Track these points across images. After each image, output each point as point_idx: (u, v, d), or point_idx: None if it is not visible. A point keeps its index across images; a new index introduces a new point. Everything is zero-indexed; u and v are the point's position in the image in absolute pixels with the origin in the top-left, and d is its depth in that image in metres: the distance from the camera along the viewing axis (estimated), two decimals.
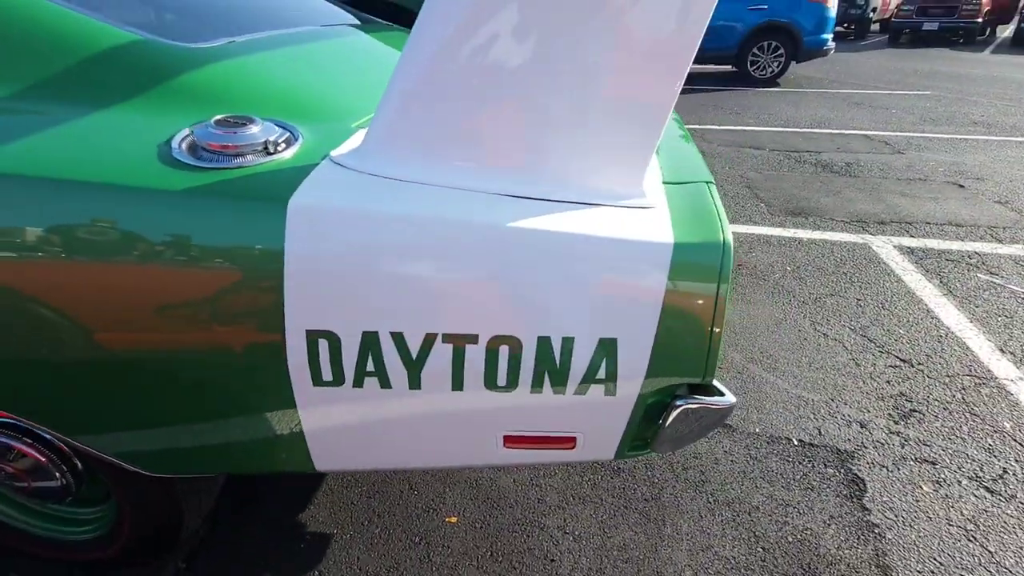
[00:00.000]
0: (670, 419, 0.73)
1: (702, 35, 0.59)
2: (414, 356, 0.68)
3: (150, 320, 0.68)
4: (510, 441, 0.79)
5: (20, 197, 0.65)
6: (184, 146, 0.69)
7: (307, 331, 0.67)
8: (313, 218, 0.64)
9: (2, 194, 0.65)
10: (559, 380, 0.70)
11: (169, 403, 0.76)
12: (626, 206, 0.70)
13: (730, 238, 0.68)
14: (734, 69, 7.94)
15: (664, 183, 0.79)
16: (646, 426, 0.78)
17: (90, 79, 0.78)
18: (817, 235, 2.89)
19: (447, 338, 0.67)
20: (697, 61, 7.98)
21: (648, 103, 0.65)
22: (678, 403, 0.73)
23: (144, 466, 0.84)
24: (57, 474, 1.02)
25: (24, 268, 0.66)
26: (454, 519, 1.34)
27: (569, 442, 0.79)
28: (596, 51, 0.62)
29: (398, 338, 0.67)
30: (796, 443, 1.56)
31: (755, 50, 7.40)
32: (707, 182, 0.81)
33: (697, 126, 5.34)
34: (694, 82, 7.77)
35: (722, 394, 0.74)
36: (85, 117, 0.74)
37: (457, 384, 0.71)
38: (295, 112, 0.83)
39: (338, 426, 0.77)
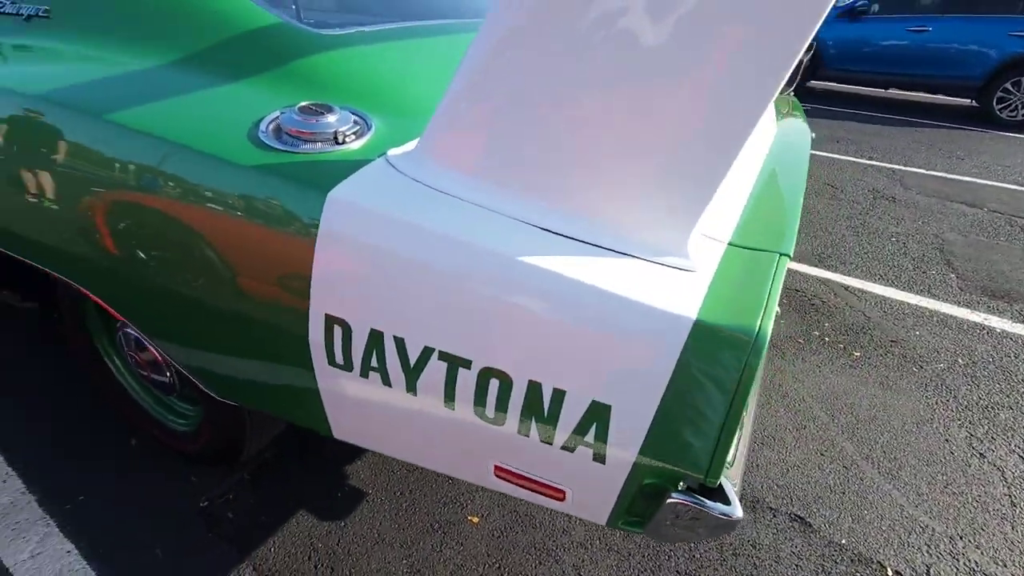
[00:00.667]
0: (659, 509, 0.64)
1: (772, 98, 0.49)
2: (412, 364, 0.69)
3: (216, 262, 0.78)
4: (500, 472, 0.77)
5: (141, 148, 0.79)
6: (270, 128, 0.77)
7: (326, 315, 0.72)
8: (346, 213, 0.67)
9: (129, 143, 0.80)
10: (547, 430, 0.66)
11: (225, 338, 0.87)
12: (661, 263, 0.62)
13: (768, 330, 0.57)
14: (974, 104, 6.57)
15: (729, 244, 0.69)
16: (643, 505, 0.69)
17: (228, 53, 0.91)
18: (1017, 329, 2.30)
19: (443, 356, 0.67)
20: (927, 89, 6.74)
21: (710, 156, 0.56)
22: (671, 496, 0.63)
23: (208, 387, 0.98)
24: (168, 373, 1.24)
25: (142, 201, 0.81)
26: (476, 520, 1.35)
27: (558, 494, 0.74)
28: (662, 93, 0.55)
29: (399, 343, 0.68)
30: (891, 574, 1.29)
31: (1008, 85, 6.03)
32: (782, 254, 0.68)
33: (898, 167, 4.54)
34: (913, 113, 6.60)
35: (728, 502, 0.63)
36: (213, 88, 0.87)
37: (449, 401, 0.70)
38: (386, 104, 0.88)
39: (349, 404, 0.81)
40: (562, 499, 0.74)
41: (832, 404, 1.82)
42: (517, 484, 0.76)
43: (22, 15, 1.07)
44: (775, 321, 0.74)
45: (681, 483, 0.64)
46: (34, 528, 1.24)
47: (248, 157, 0.74)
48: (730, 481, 0.67)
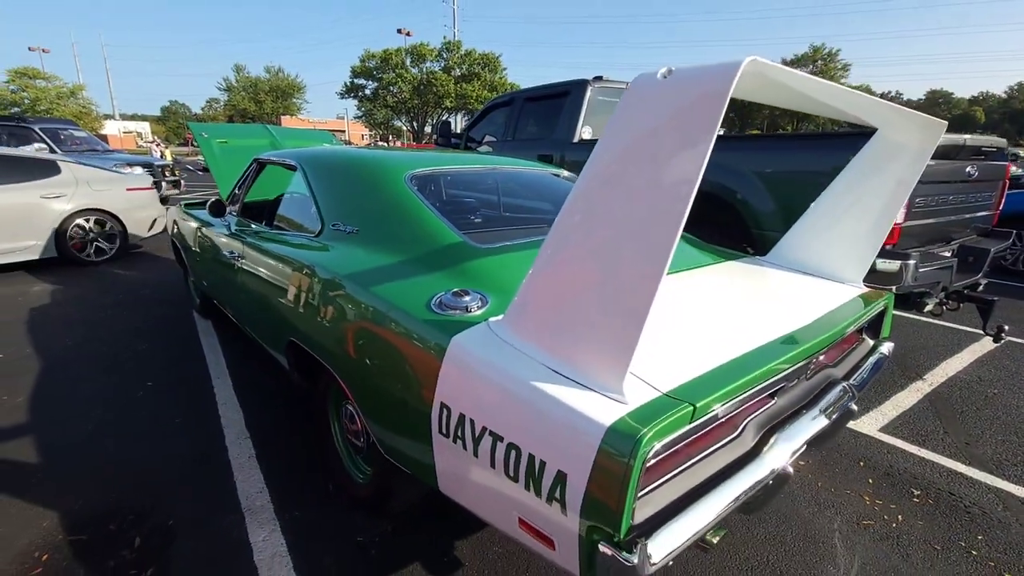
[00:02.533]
0: (596, 557, 0.99)
1: (673, 243, 0.94)
2: (476, 435, 1.20)
3: (399, 366, 1.44)
4: (522, 525, 1.18)
5: (376, 303, 1.55)
6: (436, 302, 1.45)
7: (441, 402, 1.30)
8: (458, 350, 1.28)
9: (371, 299, 1.57)
10: (538, 489, 1.08)
11: (396, 415, 1.50)
12: (606, 395, 1.06)
13: (647, 438, 0.95)
14: None
15: (662, 392, 1.08)
16: (588, 556, 1.03)
17: (432, 257, 1.68)
18: None
19: (492, 434, 1.17)
20: None
21: (624, 312, 1.02)
22: (600, 545, 0.98)
23: (382, 447, 1.61)
24: (362, 438, 1.93)
25: (370, 328, 1.55)
26: None
27: (550, 544, 1.12)
28: (600, 279, 1.06)
29: (472, 423, 1.21)
30: None
31: None
32: (692, 404, 1.05)
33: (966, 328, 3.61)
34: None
35: (628, 552, 0.96)
36: (420, 276, 1.62)
37: (493, 464, 1.18)
38: (505, 289, 1.52)
39: (449, 465, 1.34)
40: (553, 548, 1.11)
41: None
42: (529, 534, 1.16)
43: (346, 231, 2.07)
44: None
45: (606, 539, 0.99)
46: (268, 525, 1.96)
47: (423, 315, 1.43)
48: (659, 549, 0.99)
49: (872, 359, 2.03)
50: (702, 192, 3.36)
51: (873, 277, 2.89)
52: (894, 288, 2.88)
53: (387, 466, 1.67)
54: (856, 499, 2.23)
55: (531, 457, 1.09)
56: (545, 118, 5.23)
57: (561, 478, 1.04)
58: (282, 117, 46.99)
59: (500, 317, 1.35)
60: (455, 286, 1.52)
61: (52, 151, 8.96)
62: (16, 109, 34.65)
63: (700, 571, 1.81)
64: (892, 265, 2.85)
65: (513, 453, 1.13)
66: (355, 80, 42.65)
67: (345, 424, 2.05)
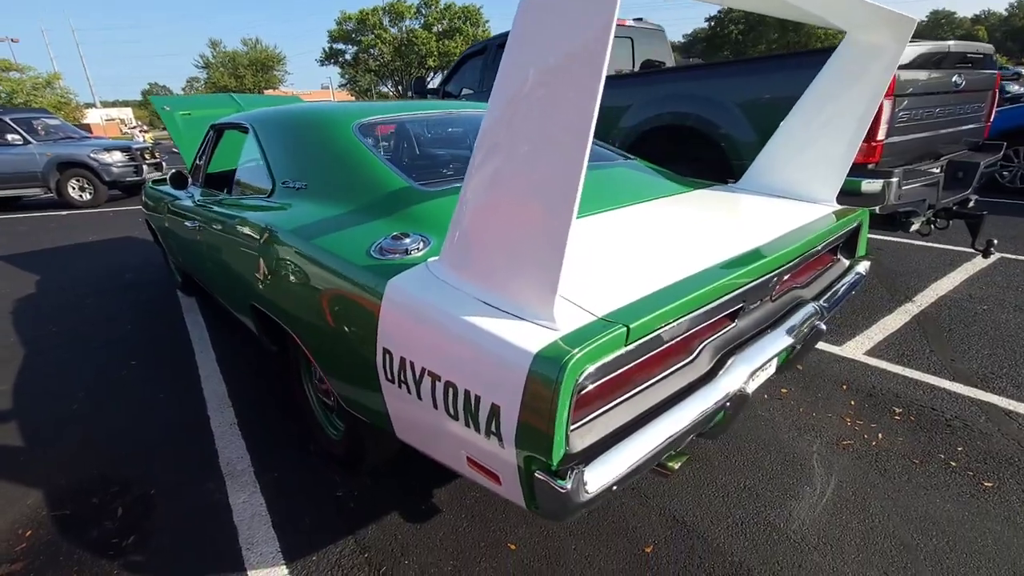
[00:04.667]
0: (533, 488, 0.97)
1: (581, 177, 0.88)
2: (417, 378, 1.17)
3: (346, 320, 1.40)
4: (470, 463, 1.17)
5: (322, 256, 1.50)
6: (376, 248, 1.40)
7: (383, 347, 1.26)
8: (394, 292, 1.23)
9: (316, 253, 1.51)
10: (477, 424, 1.06)
11: (348, 366, 1.47)
12: (535, 322, 1.02)
13: (574, 361, 0.91)
14: None
15: (597, 317, 1.03)
16: (528, 486, 1.02)
17: (376, 204, 1.61)
18: None
19: (428, 372, 1.14)
20: None
21: (544, 236, 0.97)
22: (536, 473, 0.96)
23: (343, 402, 1.59)
24: (332, 397, 1.91)
25: (319, 285, 1.50)
26: (514, 547, 1.66)
27: (496, 479, 1.10)
28: (521, 208, 1.00)
29: (411, 364, 1.18)
30: None
31: None
32: (625, 325, 1.00)
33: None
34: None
35: (562, 479, 0.93)
36: (363, 224, 1.56)
37: (435, 404, 1.15)
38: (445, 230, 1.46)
39: (399, 410, 1.32)
40: (499, 483, 1.10)
41: (927, 528, 1.66)
42: (478, 472, 1.15)
43: (296, 188, 1.99)
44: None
45: (542, 467, 0.97)
46: (248, 487, 1.98)
47: (362, 261, 1.37)
48: (598, 476, 0.97)
49: (848, 279, 1.98)
50: (678, 129, 3.23)
51: (858, 200, 2.80)
52: (878, 208, 2.80)
53: (355, 419, 1.65)
54: (837, 421, 2.22)
55: (467, 393, 1.06)
56: None
57: (495, 411, 1.01)
58: (265, 91, 45.75)
59: (437, 257, 1.30)
60: (398, 230, 1.46)
61: (27, 142, 8.79)
62: None
63: (677, 497, 1.82)
64: (874, 185, 2.76)
65: (451, 391, 1.10)
66: (334, 46, 41.24)
67: (316, 383, 2.03)
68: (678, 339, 1.21)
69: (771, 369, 1.64)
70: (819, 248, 1.72)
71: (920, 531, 1.65)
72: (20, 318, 3.92)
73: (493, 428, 1.02)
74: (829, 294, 1.83)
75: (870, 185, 2.78)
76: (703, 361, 1.32)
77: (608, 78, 4.01)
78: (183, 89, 56.22)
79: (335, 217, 1.67)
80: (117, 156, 9.19)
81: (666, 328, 1.10)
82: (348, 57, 41.28)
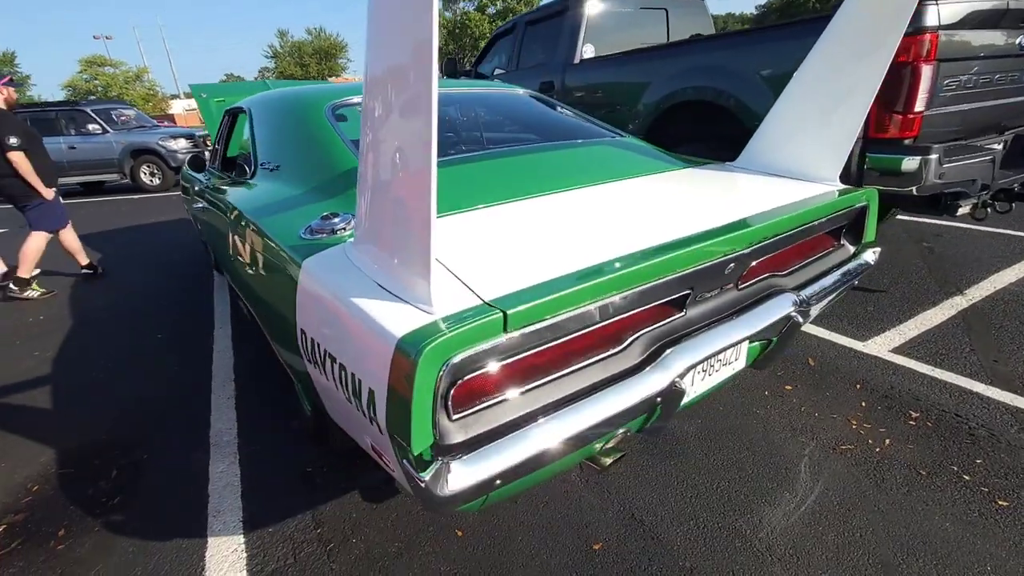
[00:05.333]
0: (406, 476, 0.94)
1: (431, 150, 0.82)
2: (322, 359, 1.16)
3: (278, 296, 1.41)
4: (372, 449, 1.14)
5: (268, 232, 1.51)
6: (306, 228, 1.39)
7: (301, 328, 1.25)
8: (306, 274, 1.21)
9: (266, 227, 1.53)
10: (362, 409, 1.03)
11: (286, 343, 1.48)
12: (416, 306, 0.97)
13: (435, 346, 0.85)
14: None
15: (483, 301, 0.97)
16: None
17: (331, 183, 1.61)
18: None
19: (328, 354, 1.12)
20: None
21: (411, 221, 0.92)
22: (404, 462, 0.92)
23: (289, 372, 1.61)
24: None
25: (252, 265, 1.52)
26: (460, 533, 1.64)
27: (389, 466, 1.07)
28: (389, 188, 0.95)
29: (318, 345, 1.16)
30: None
31: None
32: (503, 311, 0.93)
33: None
34: None
35: (423, 471, 0.89)
36: (313, 203, 1.56)
37: (337, 387, 1.13)
38: None
39: (322, 391, 1.31)
40: (392, 471, 1.07)
41: (915, 547, 1.49)
42: (378, 459, 1.12)
43: (270, 168, 2.03)
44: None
45: (407, 456, 0.93)
46: (228, 458, 2.07)
47: (291, 241, 1.37)
48: (467, 472, 0.92)
49: (848, 266, 1.78)
50: (700, 105, 2.99)
51: (895, 180, 2.52)
52: (915, 189, 2.51)
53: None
54: (840, 423, 2.03)
55: (353, 376, 1.04)
56: (546, 41, 4.87)
57: (372, 395, 0.98)
58: (329, 78, 47.33)
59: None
60: (341, 209, 1.45)
61: (105, 131, 9.56)
62: (92, 97, 37.16)
63: (640, 494, 1.73)
64: (911, 163, 2.46)
65: (343, 374, 1.08)
66: None
67: None
68: (598, 327, 1.13)
69: (737, 364, 1.50)
70: (802, 231, 1.55)
71: (906, 550, 1.48)
72: (75, 295, 4.30)
73: (372, 413, 0.99)
74: (819, 284, 1.65)
75: (909, 163, 2.49)
76: (634, 352, 1.23)
77: (626, 53, 3.80)
78: (255, 78, 59.21)
79: (291, 197, 1.68)
80: (182, 143, 9.83)
81: (566, 316, 1.02)
82: None
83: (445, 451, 0.95)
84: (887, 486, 1.71)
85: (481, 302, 0.96)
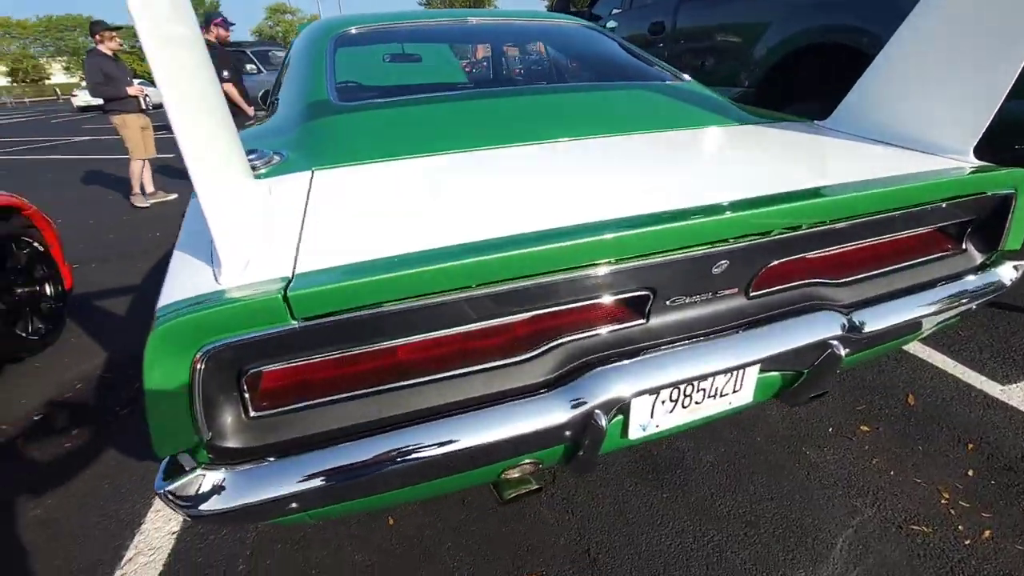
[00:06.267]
0: None
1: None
2: None
3: None
4: None
5: None
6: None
7: None
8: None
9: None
10: None
11: None
12: (213, 270, 0.76)
13: (173, 326, 0.67)
14: None
15: (288, 277, 0.72)
16: None
17: (293, 115, 1.45)
18: None
19: None
20: None
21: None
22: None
23: None
24: None
25: None
26: (392, 522, 1.48)
27: None
28: None
29: None
30: None
31: None
32: (283, 294, 0.68)
33: None
34: None
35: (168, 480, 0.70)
36: (265, 139, 1.40)
37: None
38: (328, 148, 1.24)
39: None
40: None
41: None
42: None
43: (275, 102, 1.92)
44: None
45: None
46: None
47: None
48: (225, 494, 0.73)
49: (968, 283, 1.22)
50: (829, 50, 2.28)
51: None
52: None
53: None
54: (925, 492, 1.49)
55: None
56: None
57: None
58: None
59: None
60: (284, 145, 1.28)
61: (260, 70, 10.53)
62: (274, 39, 41.78)
63: (608, 526, 1.41)
64: None
65: None
66: None
67: None
68: (476, 328, 0.84)
69: (738, 398, 1.09)
70: (886, 222, 1.05)
71: None
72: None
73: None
74: (901, 305, 1.14)
75: None
76: (543, 367, 0.91)
77: None
78: None
79: (261, 131, 1.55)
80: None
81: (402, 307, 0.74)
82: None
83: (224, 455, 0.76)
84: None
85: (284, 278, 0.72)
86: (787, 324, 1.03)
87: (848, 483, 1.53)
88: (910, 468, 1.57)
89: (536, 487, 1.03)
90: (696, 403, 1.05)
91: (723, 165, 1.24)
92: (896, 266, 1.17)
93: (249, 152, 1.19)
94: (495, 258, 0.75)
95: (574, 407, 0.86)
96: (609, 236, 0.80)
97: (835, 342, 1.03)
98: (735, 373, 1.02)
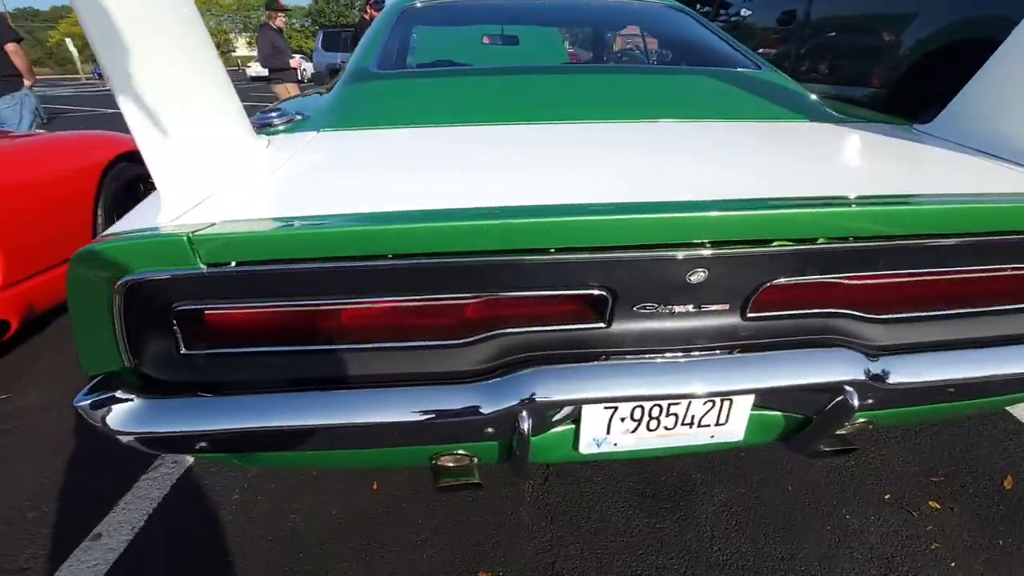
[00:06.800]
0: None
1: None
2: None
3: None
4: None
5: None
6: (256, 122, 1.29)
7: None
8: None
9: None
10: None
11: None
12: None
13: (97, 251, 0.69)
14: None
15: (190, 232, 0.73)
16: None
17: (340, 81, 1.51)
18: None
19: None
20: None
21: None
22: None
23: None
24: None
25: None
26: (376, 487, 1.50)
27: None
28: None
29: None
30: None
31: None
32: (188, 235, 0.68)
33: None
34: None
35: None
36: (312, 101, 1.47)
37: None
38: (340, 112, 1.27)
39: None
40: None
41: None
42: None
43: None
44: None
45: None
46: None
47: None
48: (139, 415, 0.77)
49: None
50: (980, 46, 2.01)
51: None
52: None
53: None
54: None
55: None
56: None
57: None
58: None
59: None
60: (315, 108, 1.34)
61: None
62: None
63: (584, 546, 1.31)
64: None
65: None
66: None
67: None
68: (405, 302, 0.80)
69: (724, 433, 0.94)
70: (957, 250, 0.84)
71: None
72: None
73: None
74: (959, 362, 0.90)
75: None
76: (478, 355, 0.84)
77: None
78: None
79: (316, 98, 1.63)
80: None
81: (321, 268, 0.72)
82: None
83: (153, 385, 0.80)
84: None
85: (192, 224, 0.73)
86: (792, 356, 0.86)
87: (888, 565, 1.27)
88: (979, 564, 1.27)
89: (476, 482, 0.97)
90: (666, 428, 0.92)
91: (746, 162, 1.06)
92: (959, 310, 0.93)
93: (272, 110, 1.25)
94: (408, 227, 0.70)
95: (498, 403, 0.79)
96: (547, 220, 0.72)
97: (849, 388, 0.85)
98: (718, 401, 0.88)
